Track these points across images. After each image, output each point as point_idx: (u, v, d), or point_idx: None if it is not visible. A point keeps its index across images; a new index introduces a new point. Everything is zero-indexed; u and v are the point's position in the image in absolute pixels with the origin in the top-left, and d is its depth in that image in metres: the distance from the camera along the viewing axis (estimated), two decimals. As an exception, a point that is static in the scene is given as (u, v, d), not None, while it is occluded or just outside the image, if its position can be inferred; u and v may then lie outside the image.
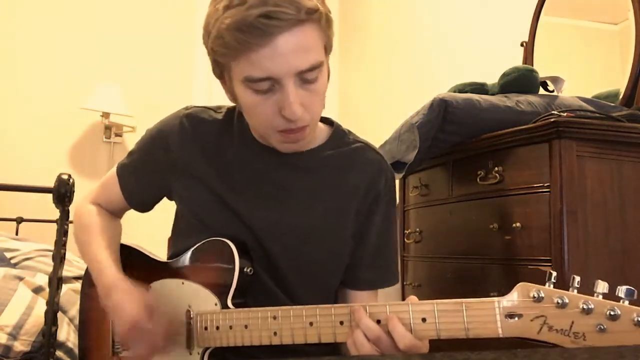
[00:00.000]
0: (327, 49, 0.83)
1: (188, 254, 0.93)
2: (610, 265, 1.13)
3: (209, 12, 0.78)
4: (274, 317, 0.78)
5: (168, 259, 1.00)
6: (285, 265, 0.91)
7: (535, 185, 1.19)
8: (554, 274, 0.64)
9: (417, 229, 1.68)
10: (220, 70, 0.84)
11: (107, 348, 0.98)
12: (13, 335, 1.43)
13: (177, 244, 1.00)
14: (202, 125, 0.95)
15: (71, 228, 1.21)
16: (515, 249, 1.23)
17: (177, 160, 0.95)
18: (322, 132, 0.97)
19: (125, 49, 3.32)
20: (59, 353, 1.48)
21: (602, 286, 0.60)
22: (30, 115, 3.10)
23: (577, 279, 0.62)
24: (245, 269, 0.88)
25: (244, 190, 0.92)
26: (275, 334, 0.78)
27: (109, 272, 0.92)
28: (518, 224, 1.21)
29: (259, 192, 0.92)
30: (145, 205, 1.04)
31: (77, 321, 1.63)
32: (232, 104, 0.94)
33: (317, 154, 0.94)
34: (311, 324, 0.75)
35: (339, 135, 0.98)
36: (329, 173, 0.94)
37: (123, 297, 0.87)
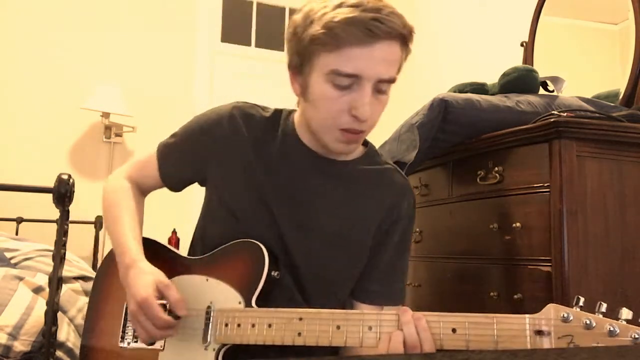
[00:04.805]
0: (398, 72, 0.90)
1: (216, 252, 0.95)
2: (610, 265, 1.13)
3: (312, 7, 0.85)
4: (300, 319, 0.80)
5: (193, 250, 1.03)
6: (304, 266, 0.94)
7: (535, 185, 1.19)
8: (582, 299, 0.68)
9: (417, 229, 1.68)
10: (301, 61, 0.88)
11: (115, 337, 0.98)
12: (13, 335, 1.43)
13: (206, 231, 1.02)
14: (250, 119, 0.99)
15: (71, 215, 1.20)
16: (515, 249, 1.23)
17: (220, 148, 0.98)
18: (358, 148, 1.01)
19: (125, 49, 3.32)
20: (59, 353, 1.48)
21: (626, 313, 0.65)
22: (30, 115, 3.10)
23: (604, 305, 0.66)
24: (272, 273, 0.90)
25: (279, 188, 0.96)
26: (299, 334, 0.79)
27: (131, 253, 0.94)
28: (518, 224, 1.21)
29: (293, 192, 0.96)
30: (177, 185, 1.06)
31: (77, 321, 1.64)
32: (280, 107, 1.02)
33: (352, 166, 0.99)
34: (338, 327, 0.77)
35: (372, 153, 1.04)
36: (360, 185, 0.99)
37: (137, 276, 0.89)
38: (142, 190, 1.10)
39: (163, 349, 0.93)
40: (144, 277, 0.88)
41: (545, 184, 1.16)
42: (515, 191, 1.25)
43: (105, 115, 3.11)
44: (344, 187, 0.98)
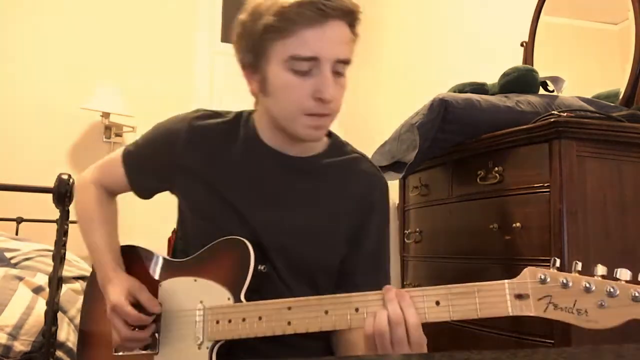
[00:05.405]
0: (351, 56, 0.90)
1: (202, 254, 0.95)
2: (610, 264, 1.13)
3: (257, 2, 0.87)
4: (289, 308, 0.81)
5: (174, 257, 1.03)
6: (281, 262, 0.95)
7: (535, 185, 1.19)
8: (558, 260, 0.69)
9: (417, 229, 1.68)
10: (256, 56, 0.88)
11: (109, 347, 0.99)
12: (13, 335, 1.43)
13: (184, 241, 1.03)
14: (209, 129, 0.99)
15: (71, 215, 1.19)
16: (515, 249, 1.23)
17: (181, 161, 0.98)
18: (322, 141, 1.01)
19: (125, 49, 3.32)
20: (59, 353, 1.48)
21: (601, 269, 0.66)
22: (30, 115, 3.10)
23: (579, 264, 0.68)
24: (259, 267, 0.91)
25: (245, 190, 0.96)
26: (289, 323, 0.80)
27: (106, 268, 0.99)
28: (518, 224, 1.21)
29: (260, 191, 0.96)
30: (146, 193, 1.08)
31: (77, 321, 1.64)
32: (240, 110, 1.01)
33: (317, 160, 0.99)
34: (326, 312, 0.78)
35: (337, 145, 1.04)
36: (327, 179, 0.99)
37: (113, 287, 0.95)
38: (111, 194, 1.11)
39: (157, 352, 0.93)
40: (118, 287, 0.94)
41: (545, 184, 1.16)
42: (515, 191, 1.25)
43: (105, 115, 3.11)
44: (310, 182, 0.98)
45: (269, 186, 0.96)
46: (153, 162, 1.02)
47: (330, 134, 1.04)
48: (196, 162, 0.97)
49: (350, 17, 0.87)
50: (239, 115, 1.02)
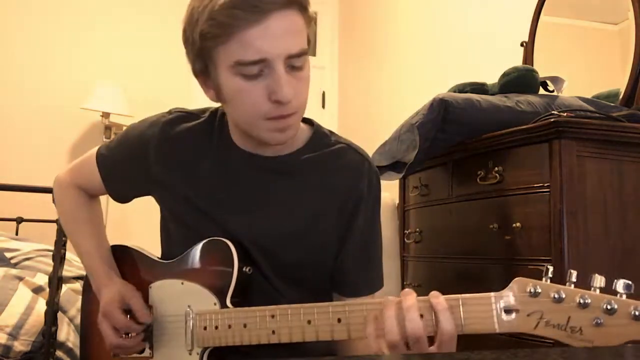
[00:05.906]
0: (309, 42, 0.83)
1: (188, 255, 0.94)
2: (610, 264, 1.13)
3: (194, 5, 0.80)
4: (272, 316, 0.79)
5: (162, 252, 1.02)
6: (264, 264, 0.92)
7: (535, 185, 1.19)
8: (551, 268, 0.63)
9: (417, 229, 1.68)
10: (204, 63, 0.82)
11: (108, 351, 0.99)
12: (13, 335, 1.43)
13: (168, 245, 1.02)
14: (181, 135, 0.95)
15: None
16: (515, 249, 1.23)
17: (153, 170, 0.95)
18: (302, 134, 0.95)
19: (126, 49, 3.32)
20: (59, 353, 1.48)
21: (599, 280, 0.60)
22: (30, 116, 3.10)
23: (574, 273, 0.61)
24: (244, 269, 0.88)
25: (219, 197, 0.92)
26: (273, 332, 0.78)
27: (99, 275, 0.99)
28: (518, 224, 1.21)
29: (236, 197, 0.92)
30: (123, 199, 1.05)
31: (77, 321, 1.64)
32: (216, 106, 0.97)
33: (296, 157, 0.93)
34: (309, 322, 0.76)
35: (319, 136, 0.96)
36: (308, 176, 0.93)
37: (105, 291, 0.95)
38: (91, 195, 1.09)
39: (152, 356, 0.94)
40: (111, 292, 0.94)
41: (545, 184, 1.16)
42: (515, 191, 1.25)
43: (105, 115, 3.11)
44: (289, 182, 0.92)
45: (244, 191, 0.92)
46: (126, 170, 0.99)
47: (312, 124, 0.97)
48: (168, 173, 0.94)
49: (296, 3, 0.77)
50: (214, 114, 0.97)
